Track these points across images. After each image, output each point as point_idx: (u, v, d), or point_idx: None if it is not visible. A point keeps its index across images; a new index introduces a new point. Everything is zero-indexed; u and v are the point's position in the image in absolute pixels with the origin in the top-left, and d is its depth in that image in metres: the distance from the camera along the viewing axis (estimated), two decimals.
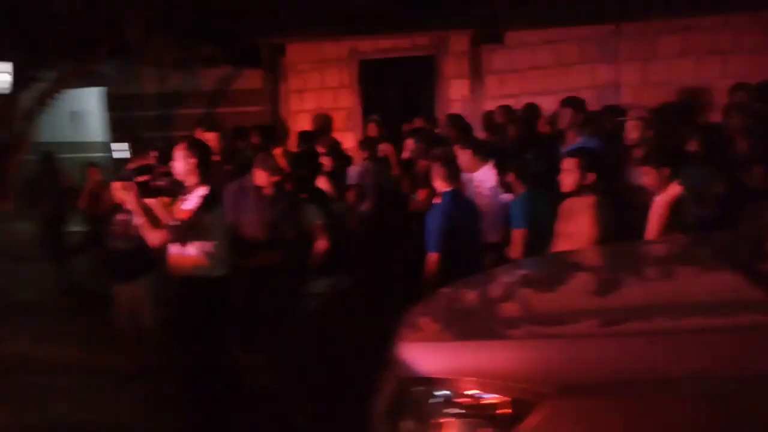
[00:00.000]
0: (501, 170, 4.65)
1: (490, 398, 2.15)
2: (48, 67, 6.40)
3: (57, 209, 7.02)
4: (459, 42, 7.86)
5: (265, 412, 3.90)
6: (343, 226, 5.14)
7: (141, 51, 5.93)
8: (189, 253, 3.50)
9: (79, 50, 6.09)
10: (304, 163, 5.26)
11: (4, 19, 5.66)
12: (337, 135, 7.14)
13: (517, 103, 6.75)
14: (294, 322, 4.49)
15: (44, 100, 6.43)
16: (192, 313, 3.56)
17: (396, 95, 8.14)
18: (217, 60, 7.05)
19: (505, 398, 2.02)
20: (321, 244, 4.60)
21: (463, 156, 4.63)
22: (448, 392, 2.27)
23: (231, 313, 3.70)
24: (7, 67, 6.06)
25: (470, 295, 3.02)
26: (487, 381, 2.17)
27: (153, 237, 3.57)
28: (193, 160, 3.56)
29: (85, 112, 10.85)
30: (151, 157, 4.74)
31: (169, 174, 4.01)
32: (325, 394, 4.12)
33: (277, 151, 5.08)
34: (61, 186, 7.09)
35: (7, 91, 6.18)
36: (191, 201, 3.54)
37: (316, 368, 4.38)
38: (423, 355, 2.51)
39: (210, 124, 4.19)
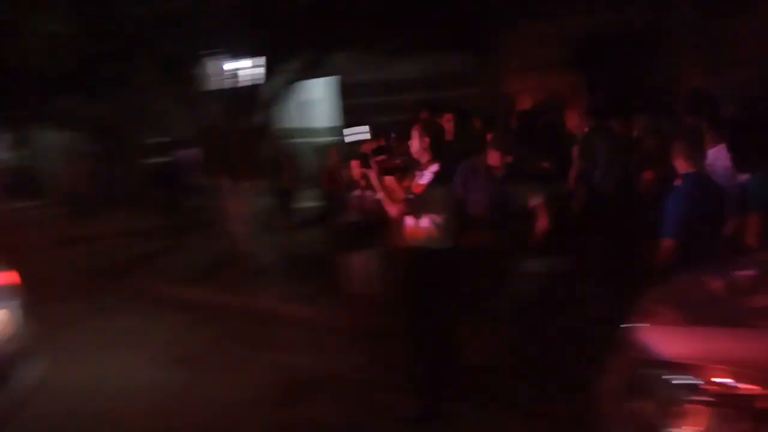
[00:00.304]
0: (737, 148, 4.22)
1: (748, 389, 2.04)
2: (285, 60, 7.17)
3: (289, 186, 8.04)
4: (687, 12, 7.20)
5: (481, 387, 4.04)
6: (564, 206, 5.09)
7: (372, 41, 6.39)
8: (421, 225, 3.77)
9: (317, 43, 6.76)
10: (524, 143, 5.28)
11: (255, 17, 6.46)
12: (557, 114, 7.01)
13: (755, 78, 6.02)
14: (511, 301, 4.58)
15: (283, 90, 7.26)
16: (420, 282, 3.83)
17: (619, 71, 7.71)
18: (438, 45, 7.33)
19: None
20: (541, 224, 4.61)
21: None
22: (693, 378, 2.20)
23: (454, 284, 3.90)
24: (260, 61, 6.98)
25: (716, 283, 2.85)
26: (744, 371, 2.07)
27: (390, 210, 3.92)
28: (426, 140, 3.82)
29: (311, 101, 11.99)
30: (385, 139, 5.16)
31: (402, 153, 4.33)
32: (542, 372, 4.17)
33: (498, 132, 5.18)
34: (292, 166, 8.09)
35: (260, 83, 7.10)
36: (424, 177, 3.81)
37: (532, 346, 4.44)
38: (665, 340, 2.45)
39: (444, 107, 4.43)
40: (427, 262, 3.78)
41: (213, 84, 7.45)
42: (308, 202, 8.68)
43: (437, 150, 3.83)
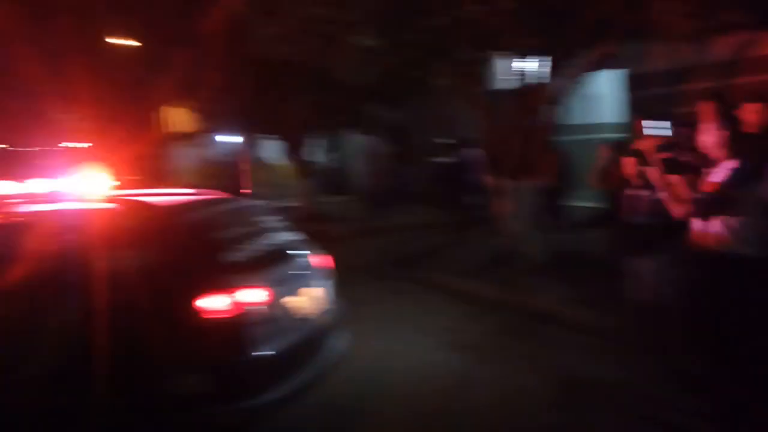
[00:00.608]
0: None
1: None
2: (572, 55, 6.99)
3: (562, 185, 7.89)
4: None
5: None
6: None
7: (663, 28, 5.88)
8: (713, 229, 3.41)
9: (602, 35, 6.49)
10: None
11: (540, 13, 6.44)
12: None
13: None
14: None
15: (569, 86, 7.13)
16: (718, 293, 3.45)
17: None
18: (736, 26, 6.35)
19: None
20: None
21: None
22: None
23: (761, 299, 3.40)
24: (547, 59, 6.97)
25: None
26: None
27: (676, 211, 3.63)
28: (723, 133, 3.44)
29: (594, 95, 11.49)
30: (673, 133, 4.71)
31: (693, 148, 3.95)
32: None
33: None
34: (565, 164, 7.90)
35: (546, 81, 7.09)
36: (719, 174, 3.44)
37: None
38: None
39: (745, 95, 3.88)
40: (727, 271, 3.38)
41: (500, 84, 7.68)
42: (585, 201, 8.40)
43: (737, 144, 3.41)
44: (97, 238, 3.61)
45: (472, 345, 5.40)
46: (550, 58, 7.00)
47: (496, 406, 4.24)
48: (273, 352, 3.49)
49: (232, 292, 3.36)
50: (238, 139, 16.94)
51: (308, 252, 4.30)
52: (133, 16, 13.25)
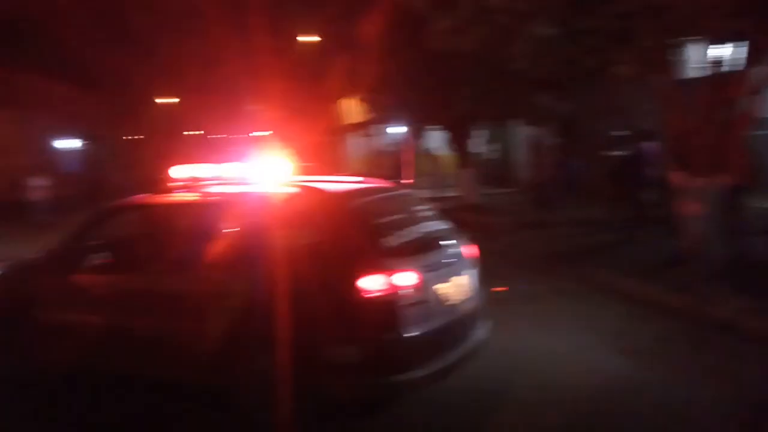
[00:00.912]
0: None
1: None
2: None
3: (747, 183, 7.04)
4: None
5: None
6: None
7: None
8: None
9: None
10: None
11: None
12: None
13: None
14: None
15: None
16: None
17: None
18: None
19: None
20: None
21: None
22: None
23: None
24: (743, 44, 6.22)
25: None
26: None
27: None
28: None
29: None
30: None
31: None
32: None
33: None
34: (754, 161, 7.02)
35: (744, 69, 6.34)
36: None
37: None
38: None
39: None
40: None
41: (691, 72, 7.02)
42: None
43: None
44: (276, 219, 3.96)
45: (641, 350, 5.05)
46: (750, 43, 6.21)
47: (663, 415, 3.94)
48: (421, 333, 3.64)
49: (390, 274, 3.58)
50: (405, 129, 17.45)
51: (459, 241, 4.39)
52: (315, 14, 14.13)
